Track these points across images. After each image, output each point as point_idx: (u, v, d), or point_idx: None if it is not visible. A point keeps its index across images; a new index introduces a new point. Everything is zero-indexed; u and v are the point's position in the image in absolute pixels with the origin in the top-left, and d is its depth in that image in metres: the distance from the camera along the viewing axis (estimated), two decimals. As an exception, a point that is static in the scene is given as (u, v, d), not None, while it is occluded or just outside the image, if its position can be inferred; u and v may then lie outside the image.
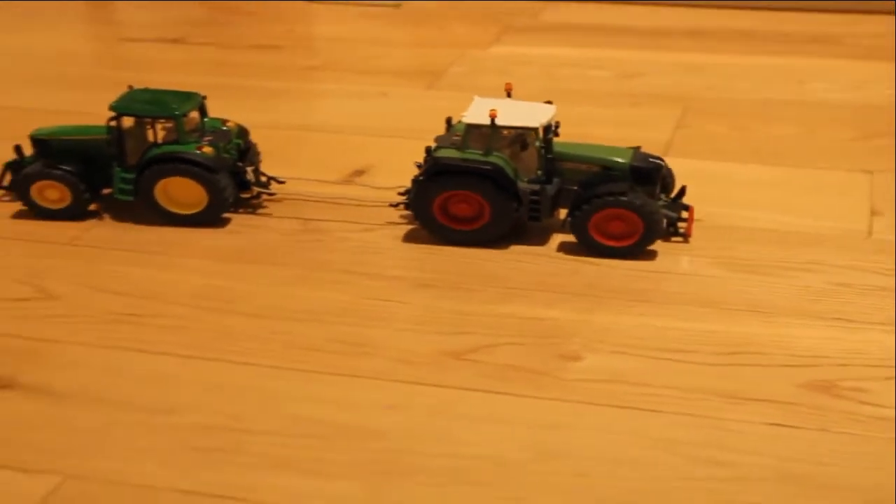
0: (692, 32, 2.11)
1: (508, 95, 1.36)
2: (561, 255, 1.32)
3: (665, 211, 1.31)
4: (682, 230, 1.33)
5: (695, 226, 1.38)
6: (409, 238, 1.36)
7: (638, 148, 1.33)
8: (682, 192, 1.35)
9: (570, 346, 1.15)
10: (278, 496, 0.95)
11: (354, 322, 1.19)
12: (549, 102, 1.33)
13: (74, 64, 1.98)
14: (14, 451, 1.01)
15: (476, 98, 1.35)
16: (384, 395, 1.08)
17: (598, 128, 1.64)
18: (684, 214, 1.36)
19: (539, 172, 1.31)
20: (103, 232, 1.39)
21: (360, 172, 1.54)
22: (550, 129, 1.31)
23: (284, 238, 1.37)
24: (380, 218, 1.41)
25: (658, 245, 1.33)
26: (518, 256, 1.32)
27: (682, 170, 1.41)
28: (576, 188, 1.31)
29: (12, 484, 0.97)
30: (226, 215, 1.41)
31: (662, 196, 1.33)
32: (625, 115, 1.72)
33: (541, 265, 1.30)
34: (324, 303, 1.23)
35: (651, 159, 1.31)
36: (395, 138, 1.64)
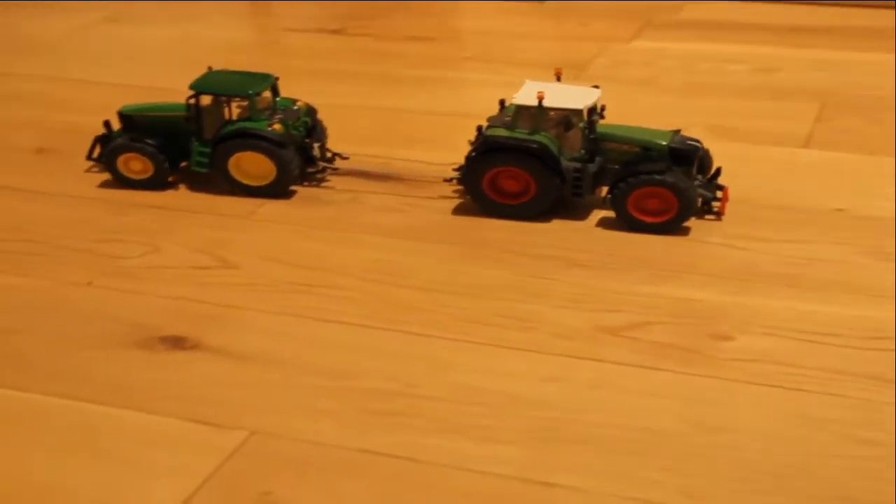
0: (828, 30, 2.07)
1: (558, 79, 1.38)
2: (710, 239, 1.31)
3: (701, 190, 1.32)
4: (715, 209, 1.33)
5: (840, 215, 1.35)
6: (561, 218, 1.36)
7: (678, 131, 1.34)
8: (717, 172, 1.35)
9: (721, 327, 1.13)
10: (447, 458, 0.96)
11: (516, 298, 1.20)
12: (596, 87, 1.35)
13: (241, 52, 2.01)
14: (204, 406, 1.03)
15: (527, 81, 1.36)
16: (545, 368, 1.08)
17: (736, 119, 1.62)
18: (719, 194, 1.35)
19: (582, 152, 1.32)
20: (276, 208, 1.41)
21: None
22: (594, 112, 1.32)
23: (444, 217, 1.38)
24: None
25: (809, 234, 1.31)
26: (665, 240, 1.31)
27: (824, 162, 1.39)
28: (617, 167, 1.32)
29: (204, 437, 0.99)
30: (314, 186, 1.44)
31: (699, 177, 1.33)
32: (763, 108, 1.70)
33: (689, 248, 1.29)
34: (486, 279, 1.23)
35: (689, 142, 1.32)
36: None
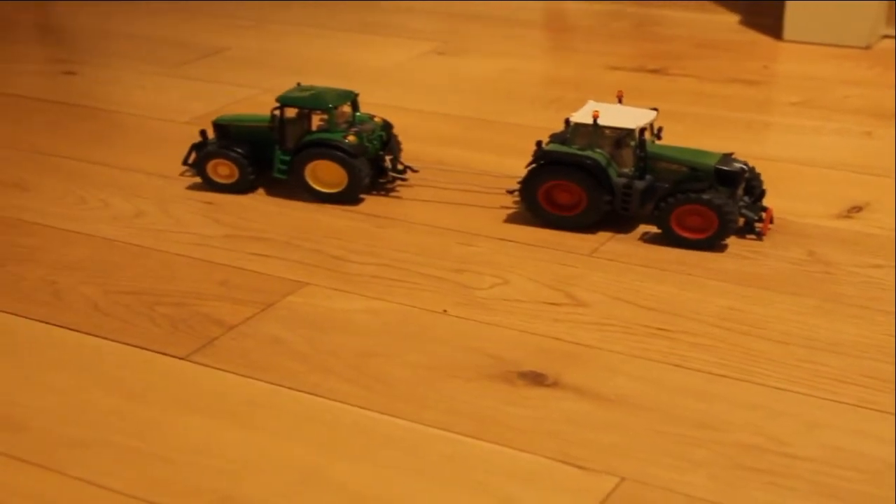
0: None
1: (619, 102, 1.40)
2: None
3: (745, 211, 1.34)
4: (758, 229, 1.35)
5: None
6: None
7: (730, 154, 1.35)
8: (762, 195, 1.37)
9: None
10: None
11: (879, 358, 1.11)
12: (655, 109, 1.37)
13: (557, 86, 1.98)
14: (573, 447, 0.99)
15: (590, 101, 1.39)
16: (922, 435, 0.99)
17: None
18: (765, 217, 1.35)
19: (632, 169, 1.34)
20: (618, 246, 1.36)
21: (857, 209, 1.45)
22: (644, 131, 1.34)
23: (793, 267, 1.30)
24: (888, 255, 1.32)
25: None
26: None
27: None
28: (667, 186, 1.33)
29: (574, 479, 0.95)
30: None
31: (745, 198, 1.35)
32: None
33: None
34: (845, 335, 1.15)
35: (736, 164, 1.32)
36: (888, 178, 1.54)
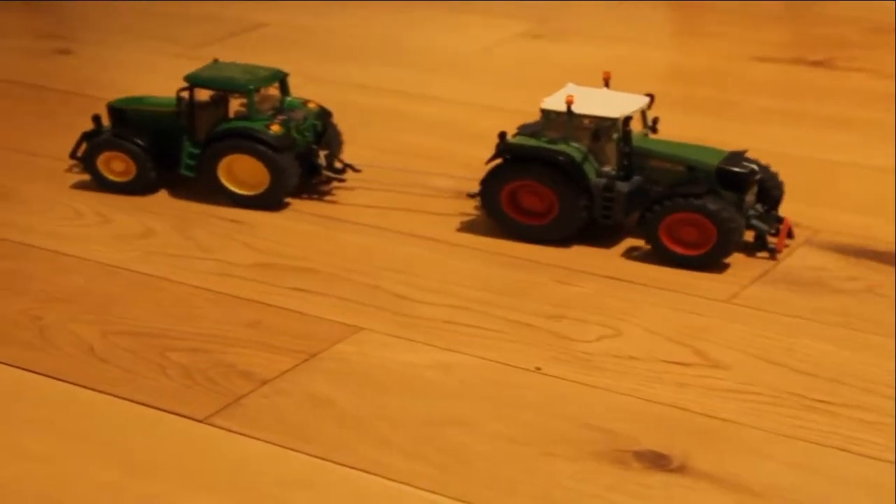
0: None
1: (606, 85, 1.42)
2: None
3: (755, 222, 1.36)
4: (771, 245, 1.37)
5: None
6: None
7: (742, 152, 1.37)
8: (778, 202, 1.40)
9: None
10: None
11: None
12: (650, 95, 1.39)
13: (686, 80, 1.98)
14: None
15: (569, 84, 1.41)
16: None
17: None
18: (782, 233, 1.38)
19: (613, 168, 1.36)
20: (764, 291, 1.35)
21: None
22: (630, 121, 1.35)
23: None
24: None
25: None
26: None
27: None
28: (660, 189, 1.35)
29: None
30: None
31: (758, 206, 1.38)
32: None
33: None
34: None
35: (746, 163, 1.34)
36: None
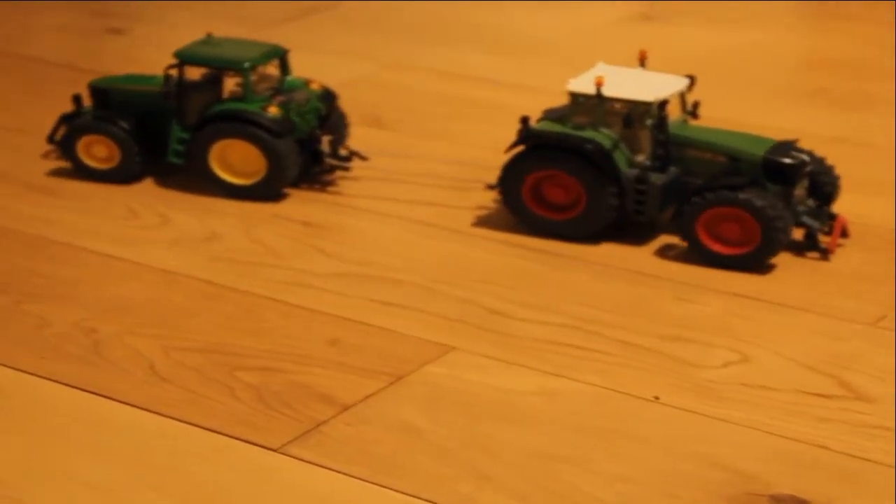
0: None
1: (641, 64, 1.44)
2: None
3: (806, 219, 1.37)
4: (823, 244, 1.38)
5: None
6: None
7: (792, 141, 1.38)
8: (831, 197, 1.40)
9: None
10: None
11: None
12: (690, 77, 1.40)
13: (837, 73, 1.95)
14: None
15: (600, 64, 1.41)
16: None
17: None
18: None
19: (647, 157, 1.38)
20: (915, 313, 1.34)
21: None
22: (666, 106, 1.35)
23: None
24: None
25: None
26: None
27: None
28: (699, 182, 1.36)
29: None
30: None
31: (809, 201, 1.39)
32: None
33: None
34: None
35: (796, 154, 1.35)
36: None
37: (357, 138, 1.66)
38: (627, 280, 1.40)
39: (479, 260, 1.44)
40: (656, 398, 1.21)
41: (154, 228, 1.52)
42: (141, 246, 1.48)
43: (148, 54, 2.05)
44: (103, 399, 1.22)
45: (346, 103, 1.65)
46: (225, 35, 1.62)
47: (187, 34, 1.97)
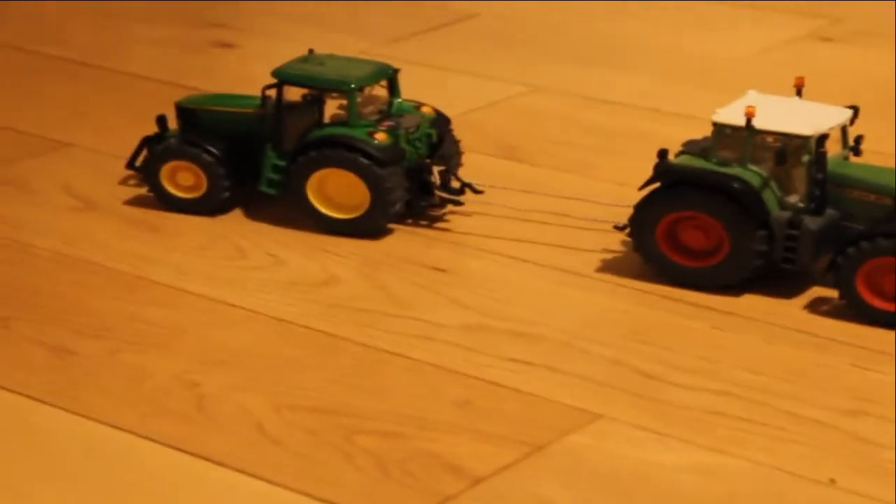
0: None
1: (798, 94, 1.44)
2: None
3: None
4: None
5: None
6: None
7: None
8: None
9: None
10: None
11: None
12: (853, 108, 1.40)
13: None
14: None
15: (751, 92, 1.43)
16: None
17: None
18: None
19: (802, 198, 1.38)
20: None
21: None
22: (825, 141, 1.36)
23: None
24: None
25: None
26: None
27: None
28: (861, 228, 1.36)
29: None
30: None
31: None
32: None
33: None
34: None
35: None
36: None
37: (487, 170, 1.67)
38: (793, 342, 1.39)
39: (627, 313, 1.44)
40: (832, 481, 1.20)
41: (265, 270, 1.53)
42: (250, 290, 1.50)
43: (259, 71, 2.06)
44: (207, 462, 1.23)
45: (476, 131, 1.66)
46: (343, 52, 1.63)
47: (303, 50, 1.99)
